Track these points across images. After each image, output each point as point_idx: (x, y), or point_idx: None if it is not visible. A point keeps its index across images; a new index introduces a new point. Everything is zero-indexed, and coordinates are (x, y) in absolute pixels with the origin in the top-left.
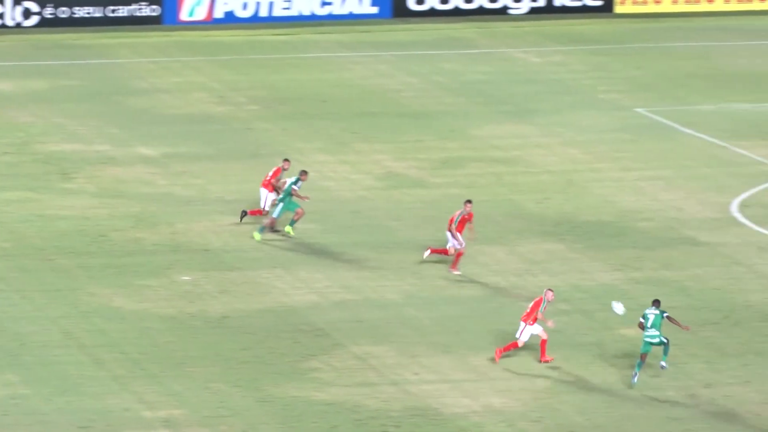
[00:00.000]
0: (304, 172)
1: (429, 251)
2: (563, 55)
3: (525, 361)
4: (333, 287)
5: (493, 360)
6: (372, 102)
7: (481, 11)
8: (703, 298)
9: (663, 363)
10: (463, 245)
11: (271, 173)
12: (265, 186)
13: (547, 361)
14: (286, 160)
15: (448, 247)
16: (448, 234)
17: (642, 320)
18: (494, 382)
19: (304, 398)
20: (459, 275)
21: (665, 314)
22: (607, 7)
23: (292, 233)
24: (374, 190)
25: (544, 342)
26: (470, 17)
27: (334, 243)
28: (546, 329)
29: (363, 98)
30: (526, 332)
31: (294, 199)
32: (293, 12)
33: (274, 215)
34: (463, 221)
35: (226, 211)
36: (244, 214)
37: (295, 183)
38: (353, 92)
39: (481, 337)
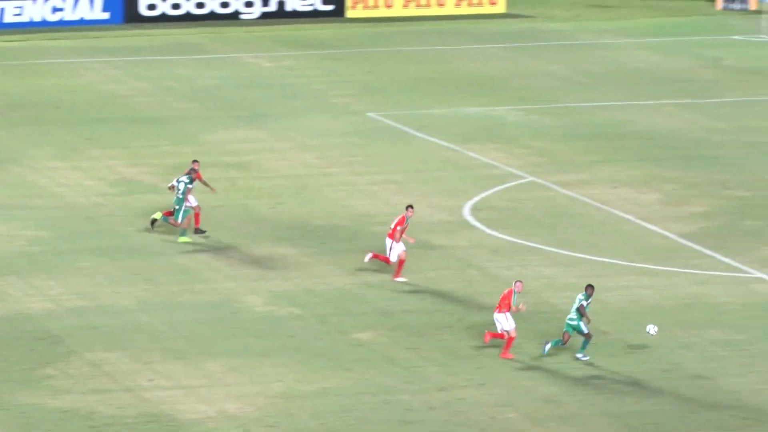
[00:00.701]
0: (195, 162)
1: (371, 255)
2: (295, 60)
3: (258, 367)
4: (67, 294)
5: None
6: (105, 108)
7: (212, 16)
8: (436, 301)
9: (578, 355)
10: (394, 257)
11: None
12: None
13: (508, 358)
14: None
15: (389, 255)
16: (389, 241)
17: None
18: (229, 387)
19: (39, 406)
20: (405, 281)
21: (581, 303)
22: (338, 12)
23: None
24: (108, 196)
25: (511, 340)
26: (202, 22)
27: (69, 250)
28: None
29: (96, 104)
30: (510, 321)
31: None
32: (24, 18)
33: (179, 220)
34: (404, 229)
35: None
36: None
37: (190, 182)
38: (86, 98)
39: (215, 343)
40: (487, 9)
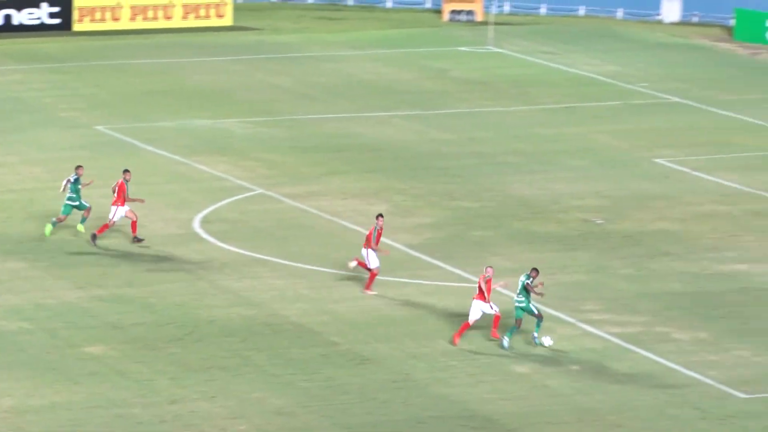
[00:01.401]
0: (79, 167)
1: (355, 262)
2: (23, 74)
3: None
4: None
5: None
6: None
7: None
8: (167, 314)
9: (534, 334)
10: (375, 265)
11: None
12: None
13: (497, 338)
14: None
15: (371, 265)
16: (366, 252)
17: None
18: None
19: None
20: (375, 294)
21: (525, 282)
22: (65, 25)
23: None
24: None
25: (497, 318)
26: None
27: None
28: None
29: None
30: (476, 310)
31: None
32: None
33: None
34: (378, 236)
35: None
36: None
37: (77, 182)
38: None
39: None
40: (214, 22)
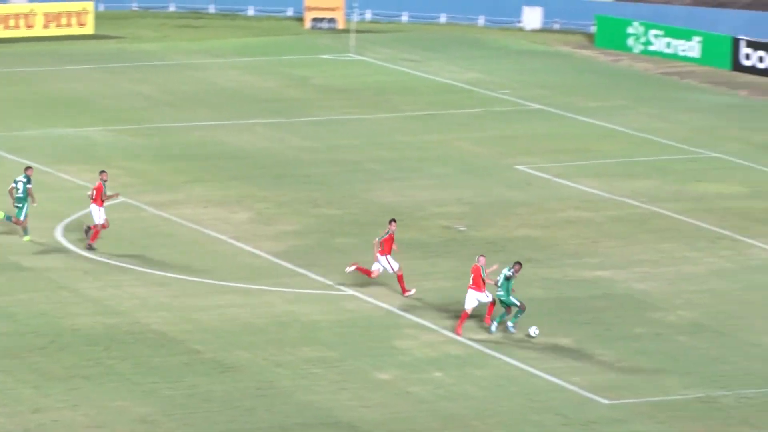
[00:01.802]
0: (29, 168)
1: (354, 267)
2: None
3: None
4: None
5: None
6: None
7: None
8: (29, 324)
9: (510, 324)
10: (396, 267)
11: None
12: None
13: (487, 323)
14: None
15: (373, 269)
16: (385, 258)
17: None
18: None
19: None
20: (413, 294)
21: (505, 274)
22: None
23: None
24: None
25: (492, 305)
26: None
27: None
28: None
29: None
30: (471, 299)
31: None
32: None
33: (22, 217)
34: (389, 240)
35: None
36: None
37: (29, 182)
38: None
39: None
40: (75, 30)
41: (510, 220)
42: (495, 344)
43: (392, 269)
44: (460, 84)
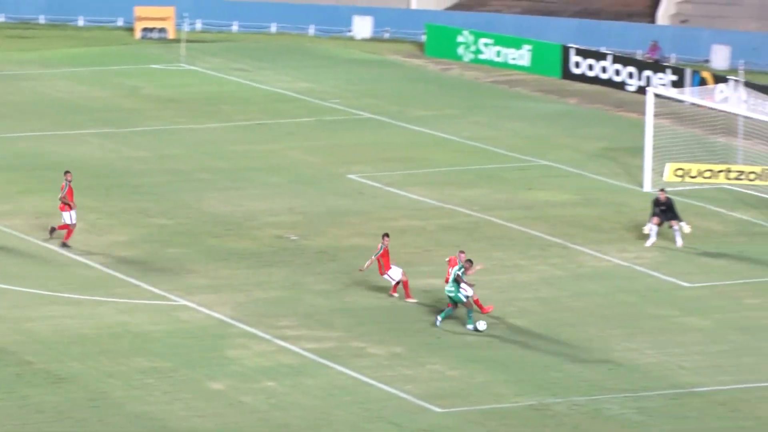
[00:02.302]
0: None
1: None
2: None
3: None
4: None
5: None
6: None
7: None
8: None
9: (468, 327)
10: (400, 273)
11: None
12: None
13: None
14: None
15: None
16: (387, 274)
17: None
18: None
19: None
20: (415, 302)
21: (457, 273)
22: None
23: None
24: None
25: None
26: None
27: None
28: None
29: None
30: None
31: None
32: None
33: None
34: (386, 255)
35: None
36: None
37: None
38: None
39: None
40: None
41: (342, 229)
42: (328, 353)
43: (400, 277)
44: (291, 93)
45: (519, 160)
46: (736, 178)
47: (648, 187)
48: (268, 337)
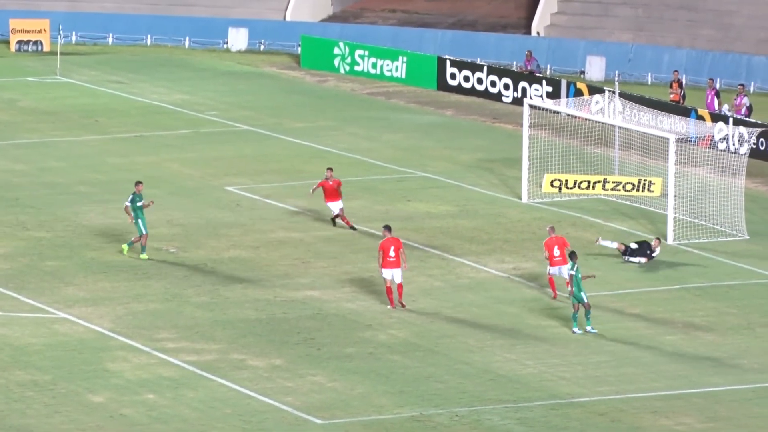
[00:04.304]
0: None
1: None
2: None
3: None
4: None
5: None
6: None
7: None
8: None
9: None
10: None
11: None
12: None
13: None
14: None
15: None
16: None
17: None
18: None
19: None
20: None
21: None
22: None
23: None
24: None
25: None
26: None
27: None
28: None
29: None
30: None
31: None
32: None
33: (144, 231)
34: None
35: None
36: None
37: (140, 198)
38: None
39: None
40: None
41: (220, 241)
42: (208, 365)
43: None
44: (167, 105)
45: (397, 172)
46: (613, 189)
47: (525, 198)
48: (147, 349)
